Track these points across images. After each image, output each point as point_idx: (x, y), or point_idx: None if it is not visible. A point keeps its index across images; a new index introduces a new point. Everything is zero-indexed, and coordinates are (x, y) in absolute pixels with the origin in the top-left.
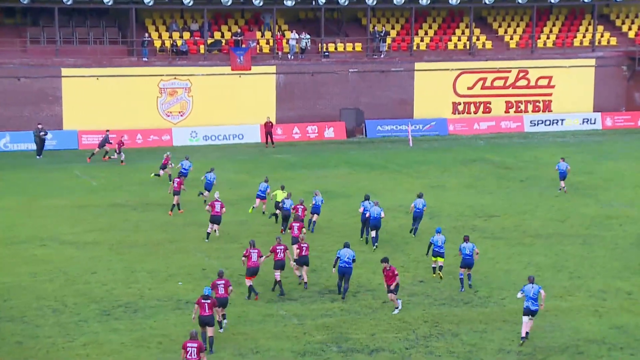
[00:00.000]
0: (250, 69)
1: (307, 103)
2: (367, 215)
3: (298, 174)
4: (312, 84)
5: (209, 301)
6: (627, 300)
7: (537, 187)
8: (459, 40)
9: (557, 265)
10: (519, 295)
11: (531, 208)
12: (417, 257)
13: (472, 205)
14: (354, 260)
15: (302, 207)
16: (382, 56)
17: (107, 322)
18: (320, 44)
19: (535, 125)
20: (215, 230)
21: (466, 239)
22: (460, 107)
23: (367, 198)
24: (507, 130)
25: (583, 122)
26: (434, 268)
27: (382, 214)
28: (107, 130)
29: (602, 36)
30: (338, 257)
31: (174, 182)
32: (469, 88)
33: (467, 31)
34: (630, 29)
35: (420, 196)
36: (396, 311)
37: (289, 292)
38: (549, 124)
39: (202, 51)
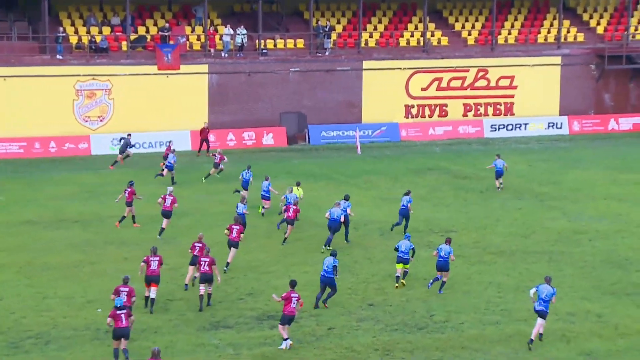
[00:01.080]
0: (179, 68)
1: (243, 106)
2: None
3: (232, 186)
4: (249, 85)
5: (124, 311)
6: (597, 323)
7: (499, 198)
8: (412, 36)
9: (521, 286)
10: (532, 292)
11: (492, 222)
12: (367, 278)
13: (426, 219)
14: (335, 268)
15: (295, 207)
16: (326, 54)
17: (16, 356)
18: (257, 40)
19: (496, 130)
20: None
21: (447, 241)
22: (414, 111)
23: (346, 198)
24: (465, 135)
25: (548, 126)
26: (397, 277)
27: (342, 218)
28: (129, 135)
29: (568, 32)
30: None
31: (124, 192)
32: (423, 89)
33: (420, 26)
34: (598, 23)
35: (407, 193)
36: (283, 345)
37: (223, 319)
38: (511, 129)
39: (124, 48)
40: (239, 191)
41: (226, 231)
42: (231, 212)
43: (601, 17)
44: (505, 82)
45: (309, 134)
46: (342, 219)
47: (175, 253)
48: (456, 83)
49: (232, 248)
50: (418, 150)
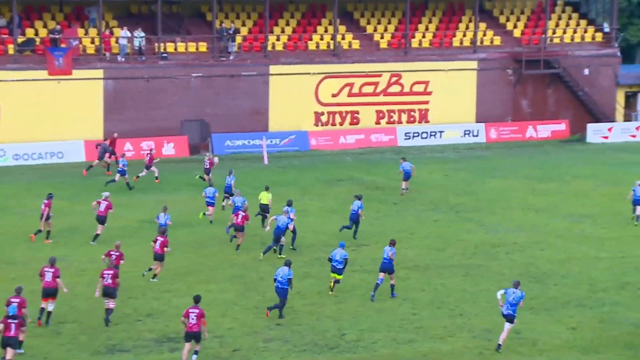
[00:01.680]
0: (71, 73)
1: (141, 114)
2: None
3: (132, 200)
4: (148, 92)
5: (16, 321)
6: (515, 340)
7: (413, 210)
8: (321, 39)
9: (436, 302)
10: (499, 294)
11: (406, 235)
12: (275, 296)
13: (337, 232)
14: (289, 281)
15: (244, 214)
16: (231, 58)
17: None
18: (157, 44)
19: (410, 138)
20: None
21: (391, 243)
22: (324, 118)
23: (289, 204)
24: (378, 144)
25: (464, 134)
26: (330, 286)
27: (290, 226)
28: (105, 140)
29: (484, 35)
30: (275, 278)
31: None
32: (333, 95)
33: (330, 29)
34: (515, 26)
35: (359, 198)
36: None
37: (120, 342)
38: (426, 137)
39: (10, 52)
40: (202, 178)
41: (153, 243)
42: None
43: (518, 19)
44: (419, 88)
45: (212, 143)
46: (292, 227)
47: (69, 272)
48: (368, 89)
49: (156, 261)
50: (328, 159)
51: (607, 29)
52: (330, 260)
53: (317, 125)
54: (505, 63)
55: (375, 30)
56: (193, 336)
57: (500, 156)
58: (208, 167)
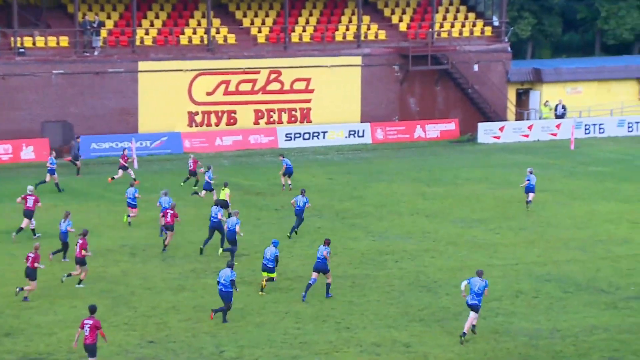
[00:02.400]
0: None
1: None
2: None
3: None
4: (4, 91)
5: None
6: (405, 354)
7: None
8: (194, 33)
9: (321, 315)
10: (463, 285)
11: (288, 244)
12: (147, 311)
13: (215, 242)
14: (232, 282)
15: (172, 212)
16: (95, 54)
17: None
18: (13, 38)
19: (291, 139)
20: (29, 226)
21: (326, 242)
22: (198, 118)
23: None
24: (257, 146)
25: (349, 134)
26: (261, 285)
27: (237, 228)
28: (77, 137)
29: (368, 29)
30: (218, 280)
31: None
32: (208, 94)
33: (203, 22)
34: (401, 20)
35: (302, 193)
36: None
37: None
38: (309, 138)
39: None
40: (197, 193)
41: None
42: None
43: (404, 13)
44: (300, 86)
45: (78, 146)
46: (238, 228)
47: None
48: (246, 87)
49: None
50: (204, 163)
51: (496, 23)
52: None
53: (191, 126)
54: (391, 59)
55: (252, 23)
56: (87, 350)
57: (387, 158)
58: (192, 168)
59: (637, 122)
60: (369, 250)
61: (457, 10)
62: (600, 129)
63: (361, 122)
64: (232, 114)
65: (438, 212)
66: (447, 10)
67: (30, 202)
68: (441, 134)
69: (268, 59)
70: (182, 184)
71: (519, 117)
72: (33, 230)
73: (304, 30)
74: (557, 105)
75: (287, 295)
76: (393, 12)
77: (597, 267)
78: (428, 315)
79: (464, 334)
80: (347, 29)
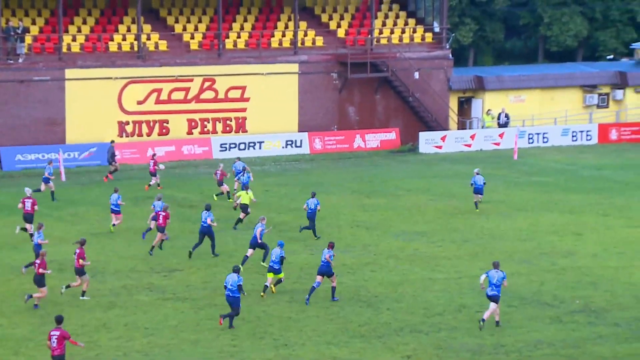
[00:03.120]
0: None
1: None
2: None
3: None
4: None
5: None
6: None
7: (231, 231)
8: (124, 39)
9: (258, 332)
10: (482, 278)
11: (224, 258)
12: (76, 330)
13: (146, 257)
14: (239, 287)
15: (165, 213)
16: (20, 61)
17: None
18: None
19: (226, 149)
20: (25, 229)
21: (330, 245)
22: (129, 128)
23: (207, 208)
24: (191, 156)
25: (286, 144)
26: (266, 286)
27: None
28: (112, 141)
29: (305, 35)
30: (225, 285)
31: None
32: (139, 103)
33: (133, 27)
34: (339, 26)
35: (313, 195)
36: None
37: None
38: (244, 148)
39: None
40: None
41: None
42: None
43: (342, 18)
44: (235, 94)
45: (0, 157)
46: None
47: None
48: (179, 95)
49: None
50: (135, 174)
51: (437, 29)
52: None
53: (122, 136)
54: (329, 66)
55: (184, 29)
56: None
57: (326, 169)
58: (219, 178)
59: (581, 131)
60: (307, 264)
61: (397, 16)
62: (544, 138)
63: (299, 131)
64: (165, 124)
65: (379, 224)
66: (386, 16)
67: (28, 206)
68: (381, 143)
69: (201, 67)
70: (215, 198)
71: (461, 126)
72: (31, 235)
73: (239, 37)
74: (500, 114)
75: (223, 312)
76: (331, 18)
77: (542, 280)
78: (369, 331)
79: (483, 319)
80: (284, 35)
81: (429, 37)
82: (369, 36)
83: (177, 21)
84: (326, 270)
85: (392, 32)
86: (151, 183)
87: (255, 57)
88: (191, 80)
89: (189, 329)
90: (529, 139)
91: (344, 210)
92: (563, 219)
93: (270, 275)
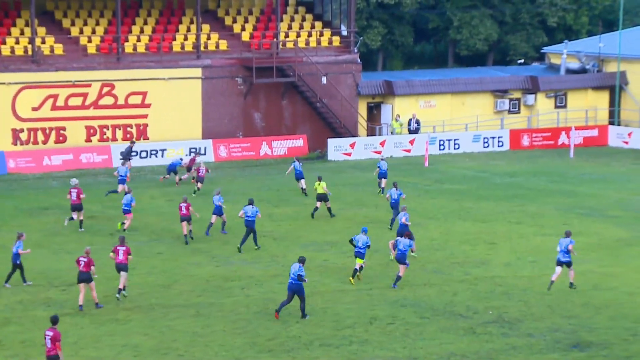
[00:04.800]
0: None
1: None
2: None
3: None
4: None
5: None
6: None
7: (133, 241)
8: (17, 43)
9: (162, 347)
10: (558, 248)
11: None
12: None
13: (44, 270)
14: (299, 278)
15: (186, 204)
16: None
17: None
18: None
19: None
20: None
21: (406, 235)
22: (24, 136)
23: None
24: (89, 165)
25: (190, 152)
26: (355, 270)
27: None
28: (132, 142)
29: (208, 39)
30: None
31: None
32: (34, 109)
33: (27, 31)
34: (243, 29)
35: (395, 185)
36: None
37: None
38: (146, 156)
39: None
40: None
41: (112, 254)
42: None
43: (246, 21)
44: (136, 100)
45: None
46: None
47: None
48: (76, 101)
49: (121, 272)
50: (30, 185)
51: (345, 33)
52: (352, 243)
53: (16, 145)
54: (234, 71)
55: (81, 32)
56: None
57: (231, 177)
58: (190, 164)
59: (492, 137)
60: (213, 276)
61: (303, 19)
62: (455, 144)
63: (203, 139)
64: (61, 131)
65: (287, 234)
66: (292, 19)
67: (74, 196)
68: (289, 151)
69: (100, 71)
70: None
71: (371, 132)
72: (72, 219)
73: (139, 40)
74: (410, 120)
75: (124, 327)
76: (235, 21)
77: (454, 291)
78: (277, 345)
79: (552, 282)
80: (186, 39)
81: (336, 40)
82: (275, 40)
83: (73, 24)
84: (401, 259)
85: (298, 35)
86: (184, 177)
87: (157, 61)
88: (89, 86)
89: (89, 346)
90: (440, 145)
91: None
92: (475, 227)
93: (359, 261)
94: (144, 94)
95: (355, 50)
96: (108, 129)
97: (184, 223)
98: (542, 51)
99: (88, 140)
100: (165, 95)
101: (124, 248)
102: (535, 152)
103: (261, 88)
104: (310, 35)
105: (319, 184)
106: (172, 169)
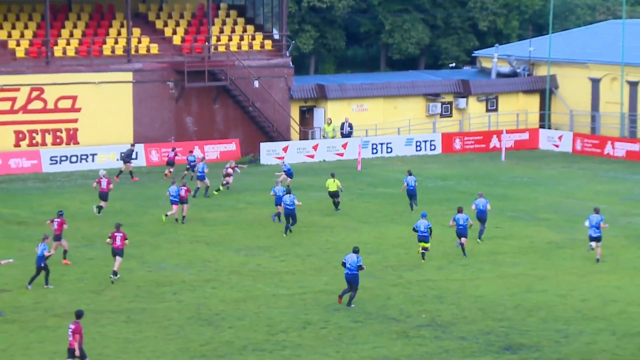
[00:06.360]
0: None
1: None
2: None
3: None
4: None
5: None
6: None
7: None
8: None
9: (93, 354)
10: (586, 223)
11: (56, 277)
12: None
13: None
14: (359, 267)
15: (186, 188)
16: None
17: None
18: None
19: (57, 163)
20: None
21: (459, 210)
22: None
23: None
24: (18, 170)
25: (120, 157)
26: (423, 253)
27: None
28: (132, 145)
29: (139, 42)
30: (344, 263)
31: (52, 222)
32: None
33: None
34: (174, 32)
35: (410, 173)
36: None
37: None
38: (76, 161)
39: None
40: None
41: (108, 240)
42: None
43: (177, 25)
44: (66, 104)
45: None
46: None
47: None
48: (4, 105)
49: (117, 256)
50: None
51: (277, 36)
52: (415, 230)
53: None
54: (165, 75)
55: (9, 35)
56: (72, 354)
57: (163, 182)
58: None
59: (425, 141)
60: (145, 282)
61: (235, 23)
62: (387, 148)
63: (134, 143)
64: None
65: (220, 239)
66: (224, 23)
67: (104, 184)
68: (221, 155)
69: (28, 75)
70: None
71: (304, 136)
72: (101, 207)
73: (68, 44)
74: (343, 124)
75: (55, 334)
76: (166, 25)
77: (388, 295)
78: (210, 350)
79: (598, 259)
80: (116, 42)
81: (268, 44)
82: (206, 43)
83: (1, 27)
84: (463, 232)
85: (230, 39)
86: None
87: (87, 65)
88: (18, 90)
89: (19, 353)
90: (372, 149)
91: (183, 225)
92: (408, 231)
93: (421, 244)
94: (74, 98)
95: (288, 54)
96: (37, 134)
97: (176, 206)
98: (473, 55)
99: (17, 145)
100: (96, 100)
101: (120, 234)
102: (467, 156)
103: (193, 92)
104: (242, 39)
105: (333, 181)
106: (201, 177)
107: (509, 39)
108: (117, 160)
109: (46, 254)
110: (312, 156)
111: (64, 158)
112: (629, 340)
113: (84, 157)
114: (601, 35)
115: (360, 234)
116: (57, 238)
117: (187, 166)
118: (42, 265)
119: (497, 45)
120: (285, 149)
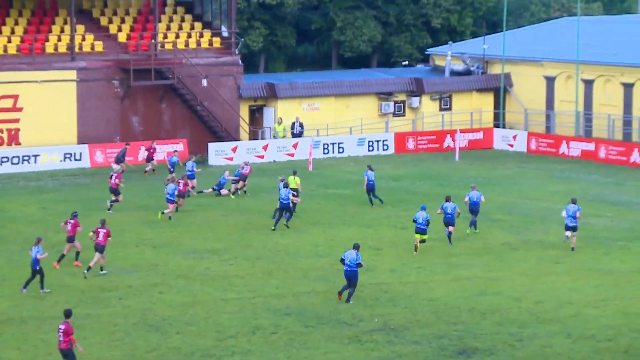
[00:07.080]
0: None
1: None
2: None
3: None
4: None
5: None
6: None
7: (4, 251)
8: None
9: None
10: (563, 213)
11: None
12: None
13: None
14: (358, 265)
15: (184, 181)
16: None
17: None
18: None
19: None
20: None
21: (447, 199)
22: None
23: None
24: None
25: (64, 158)
26: (416, 245)
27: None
28: (127, 144)
29: (83, 40)
30: (342, 260)
31: (67, 224)
32: None
33: None
34: (120, 30)
35: (370, 168)
36: None
37: None
38: (18, 162)
39: None
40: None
41: (91, 234)
42: None
43: (123, 22)
44: (7, 103)
45: None
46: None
47: None
48: None
49: (97, 252)
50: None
51: (225, 34)
52: (414, 221)
53: None
54: (111, 73)
55: None
56: (63, 355)
57: (108, 183)
58: (247, 173)
59: (377, 141)
60: (89, 287)
61: (182, 20)
62: (339, 148)
63: (78, 143)
64: None
65: (167, 242)
66: (170, 20)
67: (113, 180)
68: (168, 155)
69: None
70: (232, 196)
71: (253, 136)
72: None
73: (9, 41)
74: (294, 123)
75: None
76: (111, 21)
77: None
78: (157, 357)
79: (568, 237)
80: (59, 40)
81: (216, 42)
82: (153, 41)
83: None
84: (450, 220)
85: (177, 36)
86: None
87: (29, 63)
88: None
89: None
90: (324, 149)
91: (129, 227)
92: (361, 233)
93: (417, 236)
94: (16, 97)
95: (237, 52)
96: None
97: (172, 205)
98: (426, 53)
99: None
100: (38, 99)
101: (104, 230)
102: (420, 156)
103: (139, 91)
104: (189, 36)
105: (294, 179)
106: (220, 187)
107: (462, 37)
108: (61, 161)
109: (39, 256)
110: (262, 156)
111: (5, 159)
112: (584, 343)
113: (26, 158)
114: (556, 32)
115: (310, 236)
116: (71, 240)
117: (170, 169)
118: (37, 268)
119: (450, 42)
120: (234, 149)
